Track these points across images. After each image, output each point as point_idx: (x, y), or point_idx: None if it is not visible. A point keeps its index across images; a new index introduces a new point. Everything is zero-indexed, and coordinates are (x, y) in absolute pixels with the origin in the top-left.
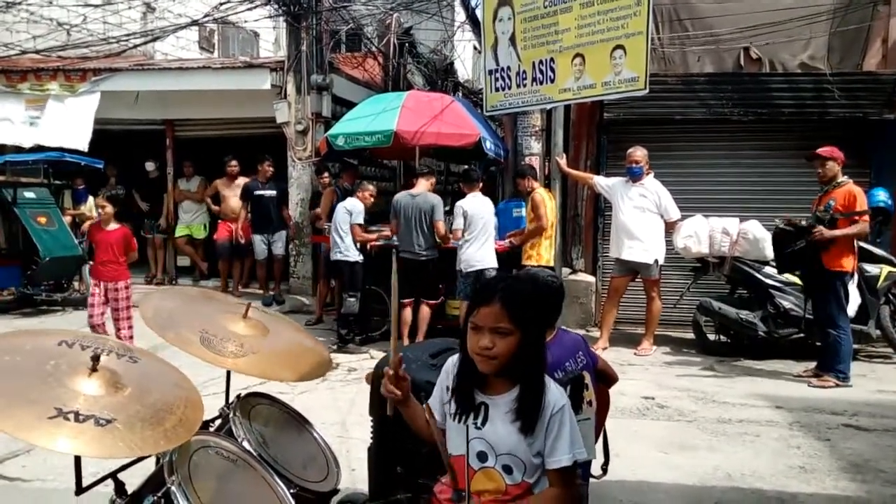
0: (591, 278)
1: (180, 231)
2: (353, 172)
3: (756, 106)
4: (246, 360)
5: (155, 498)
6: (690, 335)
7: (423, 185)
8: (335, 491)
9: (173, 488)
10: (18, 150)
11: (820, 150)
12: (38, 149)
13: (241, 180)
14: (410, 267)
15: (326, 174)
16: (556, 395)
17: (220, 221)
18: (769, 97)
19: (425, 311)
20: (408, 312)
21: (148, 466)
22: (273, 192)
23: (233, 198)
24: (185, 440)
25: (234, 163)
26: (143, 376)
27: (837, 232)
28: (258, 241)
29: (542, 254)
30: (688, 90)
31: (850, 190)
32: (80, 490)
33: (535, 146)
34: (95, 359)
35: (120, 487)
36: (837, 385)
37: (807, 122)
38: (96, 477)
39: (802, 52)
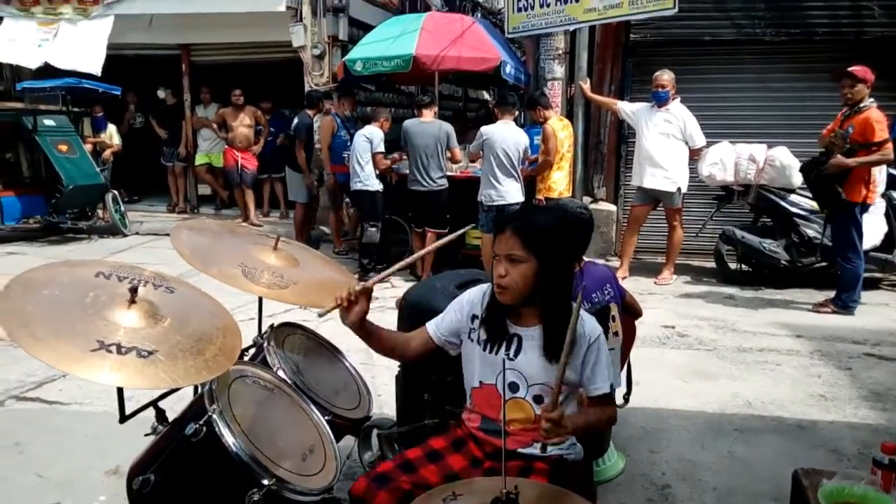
0: (612, 207)
1: (200, 159)
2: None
3: (789, 25)
4: (291, 291)
5: (197, 426)
6: (711, 264)
7: (430, 114)
8: (367, 418)
9: (214, 416)
10: (35, 78)
11: (852, 69)
12: (50, 70)
13: (250, 109)
14: (422, 197)
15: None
16: (591, 325)
17: (226, 148)
18: (803, 15)
19: (430, 240)
20: (420, 243)
21: (184, 394)
22: None
23: (240, 127)
24: (225, 369)
25: (238, 92)
26: (181, 306)
27: (850, 161)
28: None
29: (554, 186)
30: (718, 9)
31: (867, 118)
32: (123, 418)
33: (558, 70)
34: (134, 290)
35: (161, 414)
36: (834, 312)
37: (841, 43)
38: (134, 404)
39: None
